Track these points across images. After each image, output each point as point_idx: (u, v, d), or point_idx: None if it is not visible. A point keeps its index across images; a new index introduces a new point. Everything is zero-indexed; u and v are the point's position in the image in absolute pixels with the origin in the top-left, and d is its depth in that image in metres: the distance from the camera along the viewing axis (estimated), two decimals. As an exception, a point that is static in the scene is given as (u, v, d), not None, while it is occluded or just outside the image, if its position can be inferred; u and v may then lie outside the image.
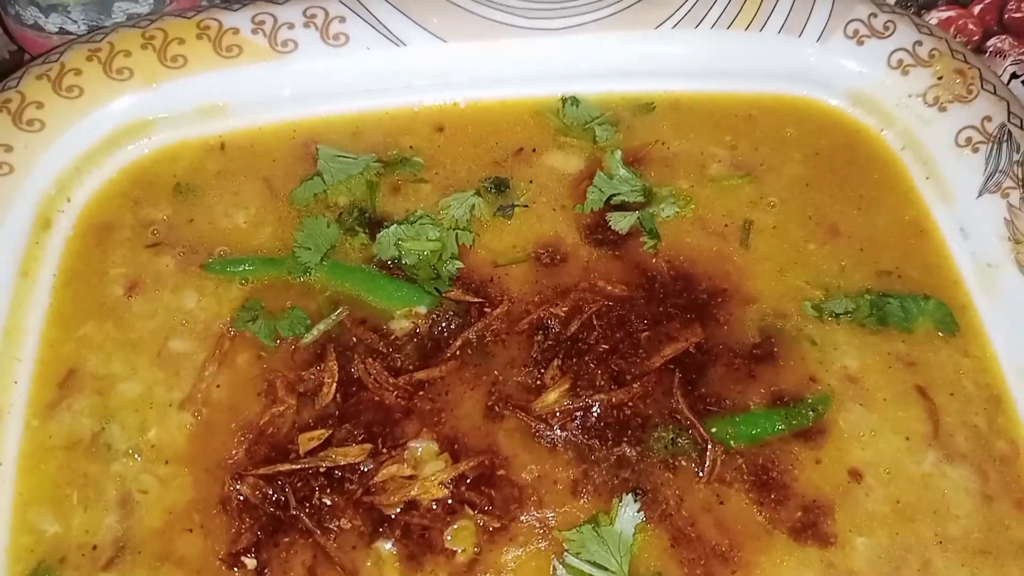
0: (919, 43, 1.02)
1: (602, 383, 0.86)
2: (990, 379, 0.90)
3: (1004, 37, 1.15)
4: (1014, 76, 1.16)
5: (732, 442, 0.84)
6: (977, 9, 1.14)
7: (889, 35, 1.03)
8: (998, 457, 0.86)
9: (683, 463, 0.84)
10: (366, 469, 0.82)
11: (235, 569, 0.79)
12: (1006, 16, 1.13)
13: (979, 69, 1.00)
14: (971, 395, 0.89)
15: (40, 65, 0.96)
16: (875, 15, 1.03)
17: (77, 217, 0.96)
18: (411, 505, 0.81)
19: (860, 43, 1.03)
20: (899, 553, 0.81)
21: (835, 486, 0.83)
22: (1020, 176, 0.94)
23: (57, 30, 1.07)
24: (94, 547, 0.80)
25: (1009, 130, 0.96)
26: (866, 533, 0.82)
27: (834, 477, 0.84)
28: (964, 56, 1.01)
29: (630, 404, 0.86)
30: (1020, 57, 1.15)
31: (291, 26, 0.99)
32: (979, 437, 0.87)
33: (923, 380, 0.89)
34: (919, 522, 0.83)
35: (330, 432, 0.83)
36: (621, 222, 0.96)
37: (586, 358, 0.88)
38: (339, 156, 0.98)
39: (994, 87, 0.99)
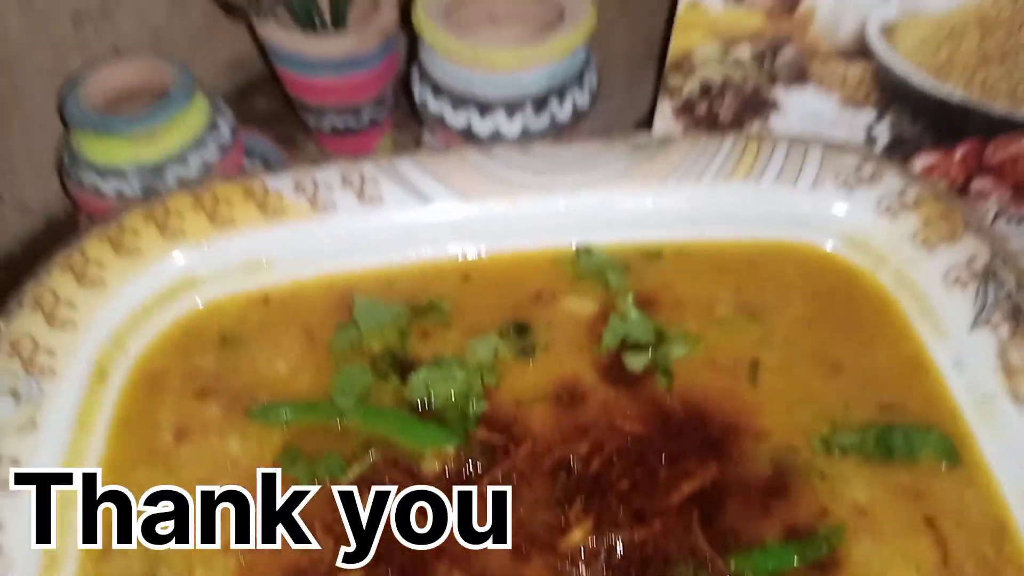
0: (905, 189, 1.10)
1: (624, 521, 0.90)
2: (995, 508, 0.93)
3: (986, 179, 1.22)
4: (998, 215, 1.23)
5: (750, 577, 0.87)
6: (959, 154, 1.22)
7: (877, 182, 1.11)
8: (1008, 587, 0.88)
9: (704, 600, 0.87)
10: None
11: None
12: (986, 160, 1.21)
13: (963, 211, 1.07)
14: (977, 524, 0.92)
15: (102, 226, 1.06)
16: (863, 164, 1.12)
17: (131, 368, 1.03)
18: (445, 648, 0.84)
19: (850, 190, 1.11)
20: None
21: (851, 620, 0.86)
22: (1008, 310, 1.00)
23: (114, 193, 1.17)
24: None
25: (994, 269, 1.02)
26: (884, 668, 0.84)
27: (850, 611, 0.86)
28: (948, 199, 1.08)
29: (651, 541, 0.89)
30: (1002, 196, 1.23)
31: (330, 188, 1.09)
32: (988, 566, 0.89)
33: (930, 511, 0.92)
34: (935, 656, 0.85)
35: (366, 574, 0.87)
36: (635, 362, 1.02)
37: (608, 496, 0.92)
38: (374, 306, 1.05)
39: (978, 228, 1.05)
